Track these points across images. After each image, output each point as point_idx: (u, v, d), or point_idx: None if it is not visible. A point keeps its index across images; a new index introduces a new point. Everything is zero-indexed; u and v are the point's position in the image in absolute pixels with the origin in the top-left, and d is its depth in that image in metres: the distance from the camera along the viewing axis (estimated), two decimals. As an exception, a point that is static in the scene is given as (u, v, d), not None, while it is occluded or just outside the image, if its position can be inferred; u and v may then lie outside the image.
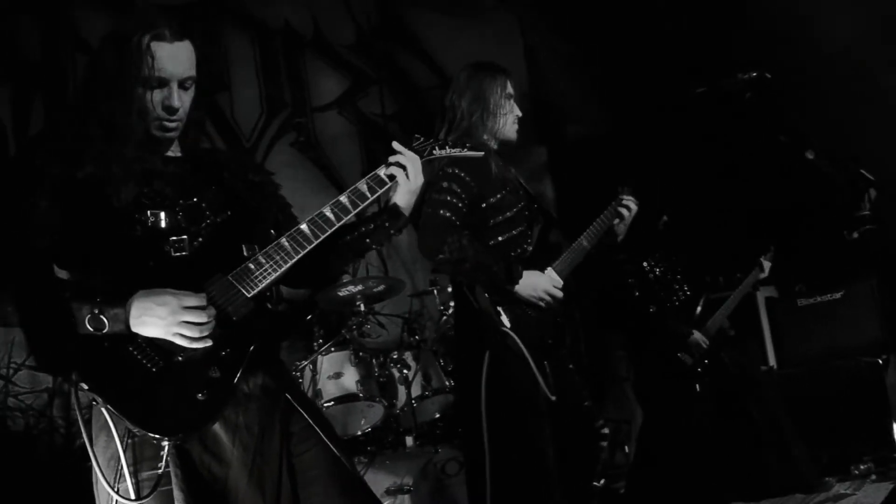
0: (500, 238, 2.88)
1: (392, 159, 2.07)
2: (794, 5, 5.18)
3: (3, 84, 4.31)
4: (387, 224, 2.10)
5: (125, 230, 1.83)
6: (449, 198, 2.75)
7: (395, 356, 4.07)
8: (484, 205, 2.85)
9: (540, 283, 2.83)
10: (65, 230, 1.81)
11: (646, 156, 5.36)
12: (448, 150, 2.23)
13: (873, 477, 4.31)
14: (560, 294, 2.87)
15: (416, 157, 2.09)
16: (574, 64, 6.55)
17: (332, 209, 1.96)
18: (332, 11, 5.89)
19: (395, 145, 2.09)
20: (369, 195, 2.02)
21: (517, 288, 2.78)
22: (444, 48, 6.29)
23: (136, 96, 1.88)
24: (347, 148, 5.74)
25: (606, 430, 2.98)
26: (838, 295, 4.99)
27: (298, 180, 5.32)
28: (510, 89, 3.04)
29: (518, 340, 2.70)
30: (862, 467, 4.40)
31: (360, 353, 3.94)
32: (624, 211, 3.11)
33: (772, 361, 5.27)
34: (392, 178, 2.06)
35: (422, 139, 2.20)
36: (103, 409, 1.72)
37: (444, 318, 4.37)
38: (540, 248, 3.00)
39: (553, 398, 2.74)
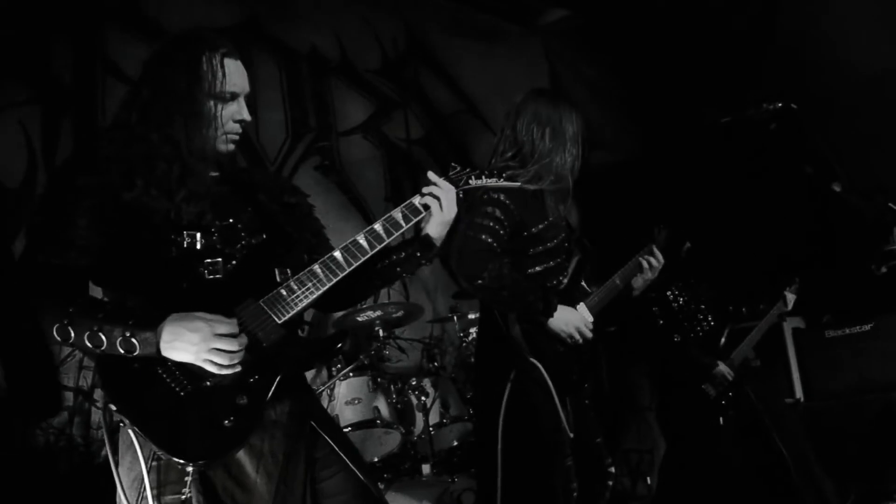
0: (538, 268, 2.84)
1: (426, 190, 2.06)
2: (825, 32, 5.12)
3: (34, 105, 4.39)
4: (418, 254, 2.09)
5: (161, 251, 1.84)
6: (491, 223, 2.71)
7: (413, 383, 4.05)
8: (526, 233, 2.81)
9: (572, 320, 2.80)
10: (102, 249, 1.82)
11: (670, 183, 5.31)
12: (485, 181, 2.21)
13: (902, 514, 4.21)
14: (590, 335, 2.83)
15: (451, 189, 2.08)
16: (599, 90, 6.54)
17: (366, 237, 1.97)
18: (358, 36, 5.93)
19: (431, 175, 2.09)
20: (403, 224, 2.03)
21: (550, 322, 2.75)
22: (469, 74, 6.32)
23: (207, 112, 1.91)
24: (371, 172, 5.75)
25: (613, 470, 2.92)
26: (867, 327, 4.88)
27: (322, 204, 5.29)
28: (581, 129, 2.98)
29: (545, 373, 2.67)
30: (891, 504, 4.28)
31: (379, 379, 3.93)
32: (645, 265, 3.07)
33: (798, 394, 5.17)
34: (427, 207, 2.06)
35: (458, 168, 2.19)
36: (130, 431, 1.72)
37: (464, 344, 4.34)
38: (574, 281, 2.97)
39: (571, 435, 2.71)
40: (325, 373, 4.20)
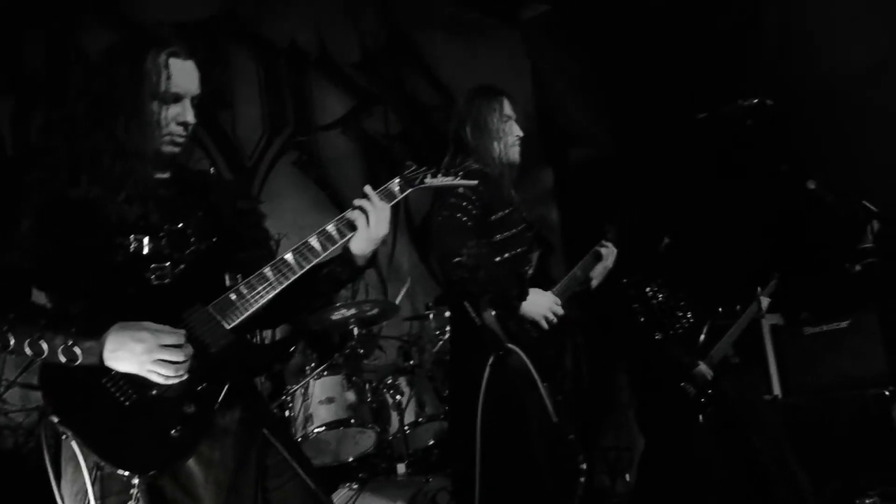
0: (505, 255, 2.87)
1: (357, 202, 1.99)
2: (807, 32, 5.12)
3: (5, 97, 4.31)
4: (339, 270, 2.02)
5: (106, 255, 1.80)
6: (465, 203, 2.76)
7: (388, 381, 4.02)
8: (492, 217, 2.85)
9: (543, 304, 2.83)
10: (46, 251, 1.78)
11: (649, 179, 5.31)
12: (441, 179, 2.18)
13: (880, 511, 4.22)
14: (561, 312, 2.87)
15: (384, 206, 1.99)
16: (580, 85, 6.51)
17: (318, 238, 1.93)
18: (338, 30, 5.87)
19: (367, 190, 2.01)
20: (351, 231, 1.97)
21: (523, 305, 2.77)
22: (450, 68, 6.27)
23: (148, 111, 1.86)
24: (351, 167, 5.70)
25: (585, 466, 2.93)
26: (845, 324, 4.90)
27: (300, 200, 5.30)
28: (508, 111, 3.05)
29: (525, 357, 2.65)
30: (868, 501, 4.30)
31: (353, 378, 3.89)
32: (604, 253, 3.13)
33: (776, 390, 5.18)
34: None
35: (414, 167, 2.15)
36: (72, 443, 1.68)
37: (441, 342, 4.31)
38: (538, 274, 3.01)
39: (556, 420, 2.71)
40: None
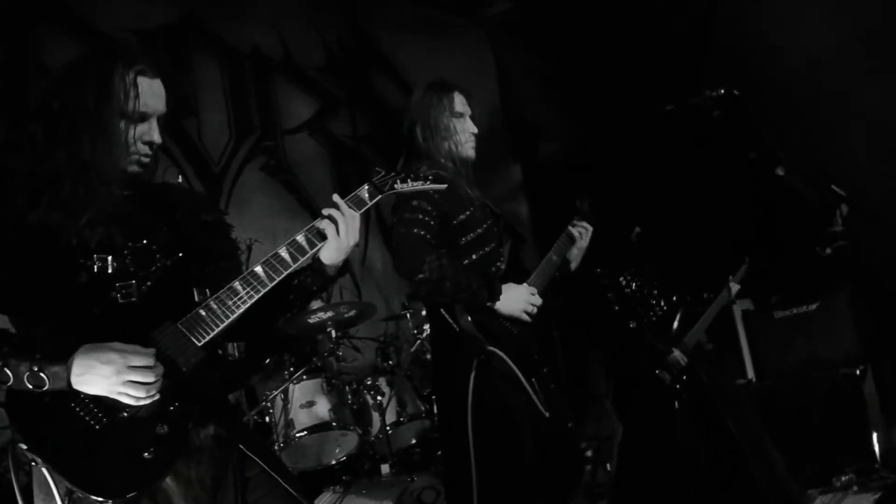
0: (473, 256, 2.82)
1: (326, 211, 1.96)
2: (763, 21, 5.21)
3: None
4: (309, 280, 2.00)
5: (69, 276, 1.75)
6: (421, 216, 2.68)
7: (368, 382, 4.01)
8: (454, 222, 2.79)
9: (520, 297, 2.78)
10: (6, 275, 1.73)
11: (619, 172, 5.35)
12: (410, 184, 2.17)
13: (855, 489, 4.28)
14: (539, 301, 2.82)
15: (354, 214, 1.97)
16: (545, 80, 6.55)
17: (287, 249, 1.89)
18: (301, 34, 5.84)
19: (336, 198, 1.98)
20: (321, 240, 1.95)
21: (497, 305, 2.73)
22: (415, 68, 6.26)
23: (115, 130, 1.82)
24: (318, 170, 5.68)
25: (590, 453, 2.92)
26: (814, 306, 4.97)
27: (269, 204, 5.26)
28: (459, 107, 2.93)
29: (506, 358, 2.66)
30: (843, 479, 4.35)
31: (333, 381, 3.88)
32: (577, 234, 3.06)
33: (750, 374, 5.25)
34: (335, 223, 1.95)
35: (383, 173, 2.13)
36: (43, 469, 1.63)
37: (419, 341, 4.31)
38: (512, 266, 2.96)
39: (547, 415, 2.70)
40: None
